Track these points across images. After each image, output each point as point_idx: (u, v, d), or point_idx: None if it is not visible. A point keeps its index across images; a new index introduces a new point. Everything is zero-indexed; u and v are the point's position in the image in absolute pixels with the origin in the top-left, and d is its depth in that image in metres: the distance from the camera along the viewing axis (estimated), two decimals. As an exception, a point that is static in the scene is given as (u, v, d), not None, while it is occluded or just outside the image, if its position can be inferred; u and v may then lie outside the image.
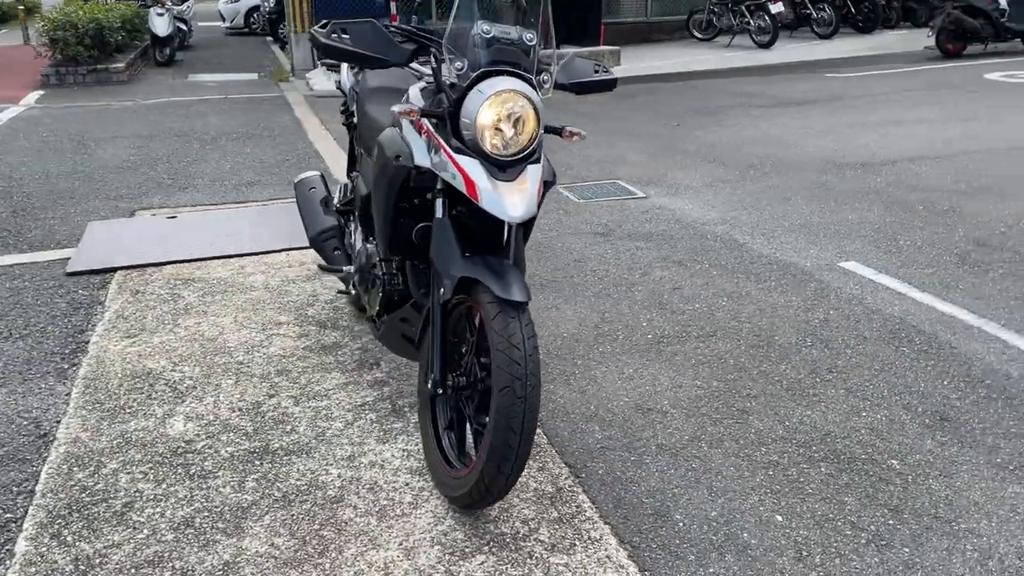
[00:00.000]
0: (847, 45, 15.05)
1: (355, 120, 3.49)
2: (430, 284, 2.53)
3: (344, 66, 3.69)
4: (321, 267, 3.50)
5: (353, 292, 3.35)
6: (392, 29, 2.61)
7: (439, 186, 2.49)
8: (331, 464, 2.74)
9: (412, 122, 2.52)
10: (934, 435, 2.91)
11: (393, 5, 14.08)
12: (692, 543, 2.37)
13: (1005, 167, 6.42)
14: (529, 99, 2.33)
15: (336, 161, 7.22)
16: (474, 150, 2.34)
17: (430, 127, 2.44)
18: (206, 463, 2.76)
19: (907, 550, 2.35)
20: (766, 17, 14.94)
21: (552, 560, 2.28)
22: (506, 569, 2.26)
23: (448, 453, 2.59)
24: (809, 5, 16.07)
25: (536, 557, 2.30)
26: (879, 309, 3.96)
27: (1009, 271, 4.40)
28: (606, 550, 2.32)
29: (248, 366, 3.43)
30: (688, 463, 2.75)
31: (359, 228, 3.31)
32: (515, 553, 2.32)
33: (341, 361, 3.46)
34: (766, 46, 14.97)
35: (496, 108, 2.30)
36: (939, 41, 13.12)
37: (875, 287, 4.23)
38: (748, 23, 15.23)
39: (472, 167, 2.31)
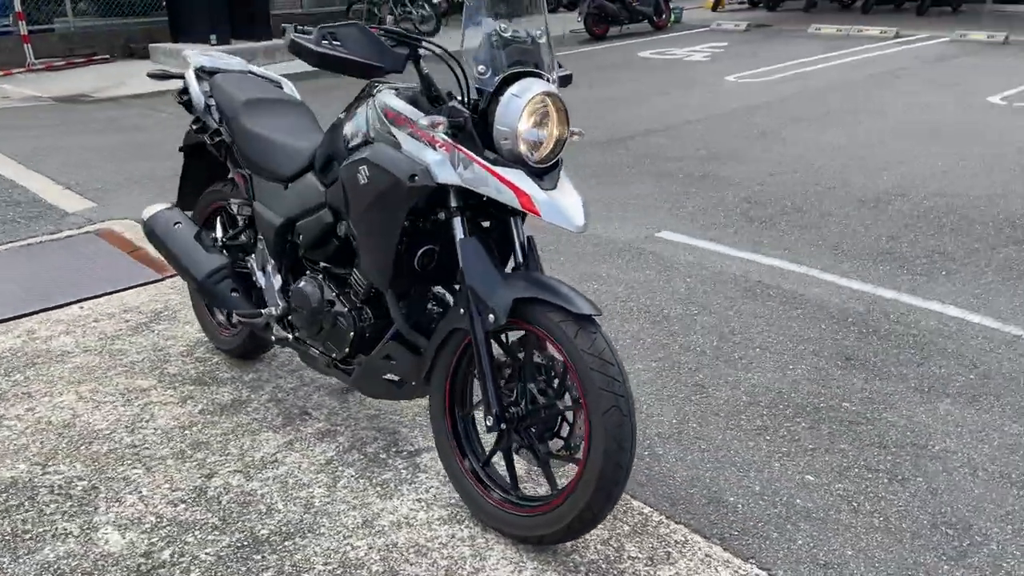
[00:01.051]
0: (502, 31, 15.94)
1: (224, 139, 2.99)
2: (455, 311, 2.28)
3: (190, 76, 3.14)
4: (240, 315, 2.96)
5: (286, 337, 2.88)
6: (380, 32, 2.27)
7: (454, 204, 2.25)
8: (350, 536, 2.36)
9: (413, 134, 2.23)
10: (854, 374, 3.27)
11: (16, 1, 12.16)
12: (763, 520, 2.43)
13: (721, 133, 7.28)
14: (560, 100, 2.18)
15: (46, 188, 6.11)
16: (513, 160, 2.14)
17: (446, 139, 2.18)
18: (192, 575, 2.23)
19: (920, 479, 2.62)
20: (427, 6, 15.30)
21: (661, 574, 2.20)
22: (623, 596, 2.14)
23: (499, 491, 2.37)
24: (460, -7, 16.73)
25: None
26: (722, 271, 4.31)
27: (792, 222, 5.04)
28: (702, 549, 2.30)
29: (147, 448, 2.81)
30: (696, 445, 2.80)
31: (272, 263, 2.86)
32: (621, 577, 2.20)
33: (261, 418, 2.98)
34: (431, 35, 15.34)
35: (535, 113, 2.13)
36: (587, 24, 14.39)
37: (701, 252, 4.59)
38: (410, 13, 15.48)
39: (520, 179, 2.12)
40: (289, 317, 2.84)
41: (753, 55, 11.65)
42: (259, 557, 2.29)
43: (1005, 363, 3.33)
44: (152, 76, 3.27)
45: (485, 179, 2.14)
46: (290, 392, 3.15)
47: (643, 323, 3.72)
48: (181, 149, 3.37)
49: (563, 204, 2.13)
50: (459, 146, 2.17)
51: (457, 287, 2.37)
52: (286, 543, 2.34)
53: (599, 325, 2.13)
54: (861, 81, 9.37)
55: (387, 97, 2.35)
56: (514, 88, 2.13)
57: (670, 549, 2.30)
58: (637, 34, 14.77)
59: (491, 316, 2.18)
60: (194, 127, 3.14)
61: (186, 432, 2.90)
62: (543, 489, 2.43)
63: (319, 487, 2.58)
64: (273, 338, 2.93)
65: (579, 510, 2.13)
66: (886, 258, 4.44)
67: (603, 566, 2.24)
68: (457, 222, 2.27)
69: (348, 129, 2.47)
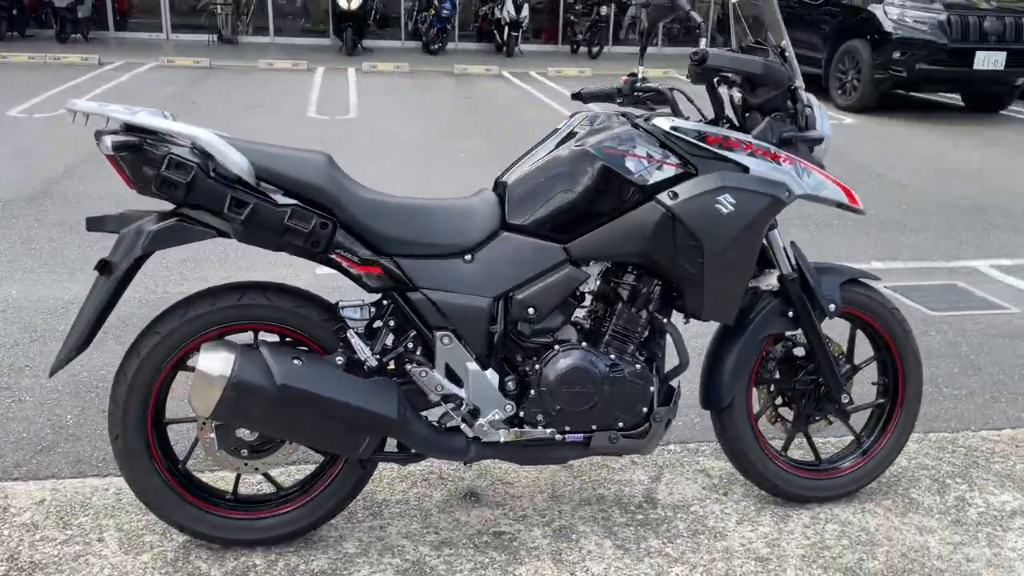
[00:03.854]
0: None
1: (317, 223, 2.07)
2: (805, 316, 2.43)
3: (210, 137, 1.99)
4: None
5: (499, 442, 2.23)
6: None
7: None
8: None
9: (753, 153, 2.25)
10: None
11: None
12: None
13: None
14: None
15: None
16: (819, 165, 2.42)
17: (789, 154, 2.30)
18: None
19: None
20: None
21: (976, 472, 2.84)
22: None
23: (807, 467, 2.60)
24: None
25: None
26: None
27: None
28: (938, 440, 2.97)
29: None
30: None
31: (473, 358, 2.20)
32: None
33: (532, 548, 2.26)
34: None
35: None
36: None
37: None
38: None
39: (837, 179, 2.42)
40: (521, 414, 2.26)
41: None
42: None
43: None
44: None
45: (824, 184, 2.36)
46: (479, 530, 2.40)
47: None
48: (102, 265, 2.04)
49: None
50: (799, 159, 2.31)
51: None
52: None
53: (873, 287, 2.61)
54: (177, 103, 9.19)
55: (689, 124, 2.25)
56: (810, 100, 2.39)
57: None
58: None
59: (832, 306, 2.44)
60: (239, 214, 2.00)
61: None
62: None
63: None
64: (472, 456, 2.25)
65: (907, 436, 2.62)
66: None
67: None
68: (776, 233, 2.39)
69: (629, 165, 2.19)
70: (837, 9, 10.77)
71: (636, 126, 2.25)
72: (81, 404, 3.04)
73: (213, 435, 2.14)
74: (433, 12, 15.67)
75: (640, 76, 2.47)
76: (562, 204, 2.21)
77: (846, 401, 2.54)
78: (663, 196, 2.20)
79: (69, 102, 2.02)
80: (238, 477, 2.30)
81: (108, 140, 1.92)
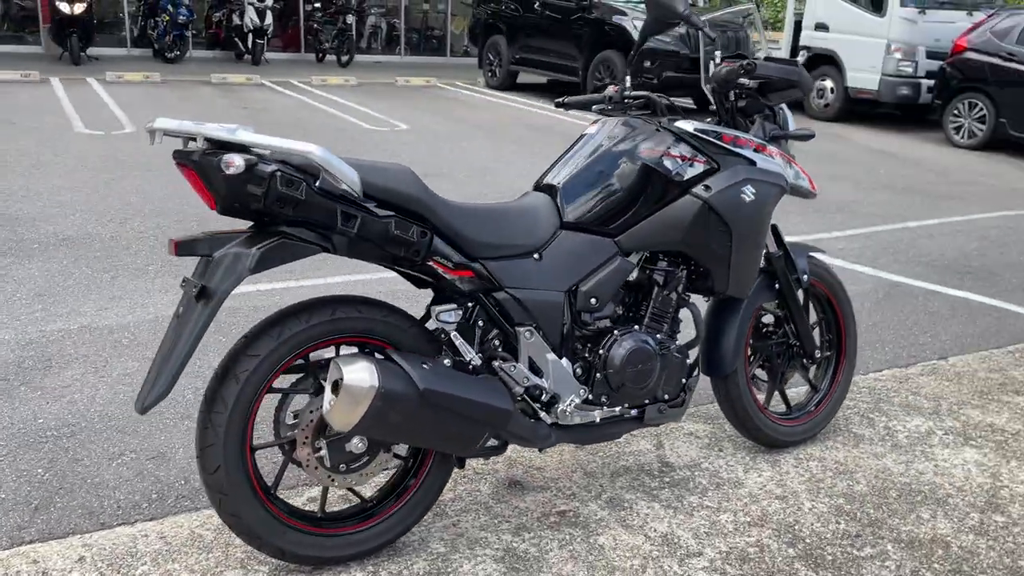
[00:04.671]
0: None
1: (414, 231, 2.13)
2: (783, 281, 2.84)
3: (323, 154, 1.98)
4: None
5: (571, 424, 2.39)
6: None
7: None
8: (804, 500, 2.66)
9: (756, 150, 2.61)
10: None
11: None
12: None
13: None
14: None
15: None
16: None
17: (777, 148, 2.69)
18: None
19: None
20: None
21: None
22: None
23: (784, 416, 3.01)
24: None
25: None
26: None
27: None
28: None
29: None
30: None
31: (550, 348, 2.35)
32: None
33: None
34: None
35: (776, 120, 2.89)
36: None
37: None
38: None
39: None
40: (589, 396, 2.43)
41: None
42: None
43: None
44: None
45: (799, 174, 2.79)
46: (543, 512, 2.50)
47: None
48: (200, 291, 1.95)
49: None
50: (784, 153, 2.72)
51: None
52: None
53: (817, 261, 3.09)
54: None
55: (707, 125, 2.56)
56: (781, 104, 2.80)
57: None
58: None
59: (805, 276, 2.87)
60: (350, 228, 2.00)
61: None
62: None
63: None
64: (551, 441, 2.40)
65: (850, 379, 3.13)
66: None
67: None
68: (761, 219, 2.78)
69: (667, 164, 2.47)
70: (589, 19, 11.73)
71: (659, 129, 2.52)
72: (44, 456, 2.72)
73: (324, 452, 2.10)
74: (168, 18, 14.76)
75: (628, 85, 2.75)
76: (612, 202, 2.43)
77: (819, 356, 2.99)
78: (698, 189, 2.50)
79: (159, 120, 1.90)
80: (325, 493, 2.26)
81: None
